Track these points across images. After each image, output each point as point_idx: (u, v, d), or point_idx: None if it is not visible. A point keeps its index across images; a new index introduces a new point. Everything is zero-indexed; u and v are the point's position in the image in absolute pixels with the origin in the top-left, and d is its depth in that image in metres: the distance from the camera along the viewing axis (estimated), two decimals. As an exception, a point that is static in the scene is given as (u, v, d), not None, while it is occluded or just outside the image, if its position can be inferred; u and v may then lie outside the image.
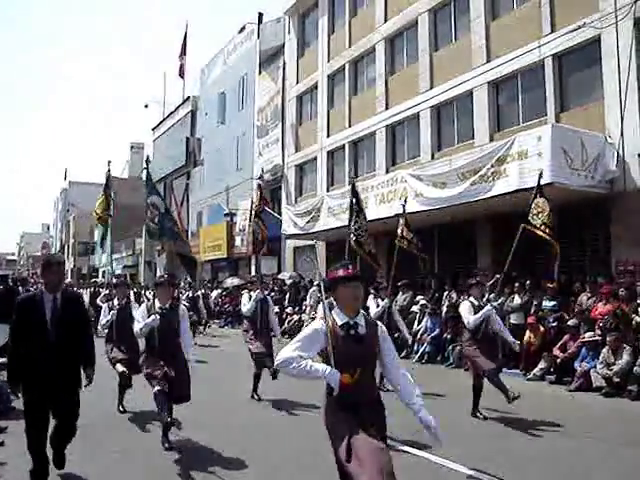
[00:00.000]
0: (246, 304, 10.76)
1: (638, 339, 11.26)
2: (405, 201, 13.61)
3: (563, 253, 16.11)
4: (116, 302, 9.50)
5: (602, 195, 14.37)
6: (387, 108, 22.71)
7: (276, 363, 4.04)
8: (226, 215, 31.97)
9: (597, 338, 11.70)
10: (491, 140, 17.78)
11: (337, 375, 3.84)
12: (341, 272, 4.13)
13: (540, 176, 10.34)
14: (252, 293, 10.88)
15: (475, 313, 8.99)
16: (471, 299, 9.30)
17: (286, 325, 21.22)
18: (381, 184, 19.05)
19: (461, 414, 8.99)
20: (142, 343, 7.74)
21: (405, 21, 22.09)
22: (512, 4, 18.19)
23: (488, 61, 18.43)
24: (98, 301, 20.39)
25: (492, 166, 14.59)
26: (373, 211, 18.69)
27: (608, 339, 11.24)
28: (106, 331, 9.52)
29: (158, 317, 7.33)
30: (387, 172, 21.63)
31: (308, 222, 22.57)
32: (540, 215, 9.92)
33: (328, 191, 25.12)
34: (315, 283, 22.97)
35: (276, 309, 22.54)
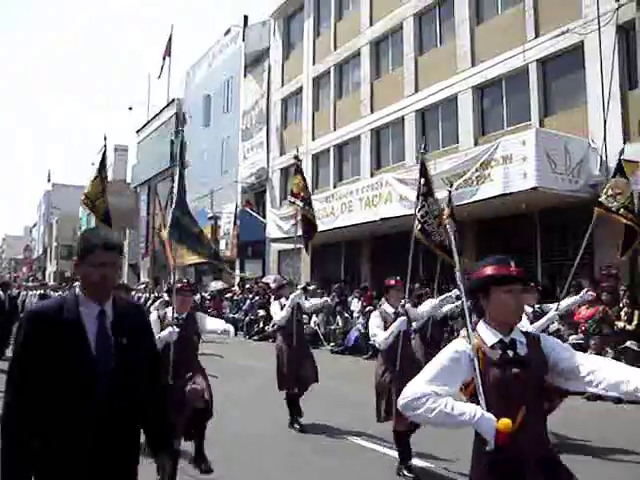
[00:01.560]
0: (278, 312, 8.97)
1: (620, 342, 11.33)
2: (451, 186, 12.52)
3: (546, 257, 16.38)
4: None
5: (585, 199, 14.43)
6: (372, 112, 22.75)
7: (401, 403, 2.75)
8: (210, 218, 31.86)
9: (580, 341, 11.75)
10: (476, 144, 17.84)
11: (492, 421, 2.61)
12: (497, 269, 2.90)
13: (621, 152, 9.57)
14: (283, 300, 9.15)
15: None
16: None
17: (270, 329, 21.14)
18: (366, 188, 19.08)
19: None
20: None
21: (390, 25, 22.15)
22: (497, 9, 18.30)
23: (473, 65, 18.51)
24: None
25: (476, 170, 14.64)
26: (358, 215, 18.74)
27: (592, 343, 11.32)
28: None
29: (176, 329, 6.16)
30: (372, 176, 21.66)
31: (293, 225, 22.50)
32: (619, 197, 8.73)
33: (313, 194, 25.05)
34: (300, 287, 22.92)
35: (261, 312, 22.63)
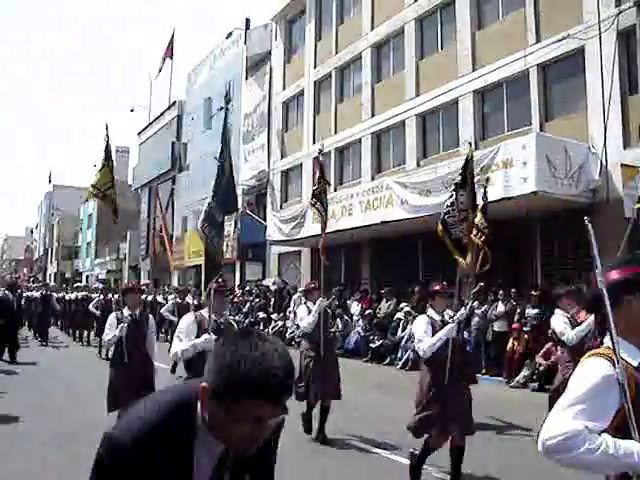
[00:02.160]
0: (304, 317, 8.45)
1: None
2: (486, 186, 11.80)
3: (545, 261, 16.40)
4: (126, 312, 7.33)
5: (585, 204, 14.48)
6: (373, 115, 22.80)
7: (549, 444, 2.11)
8: (211, 221, 31.82)
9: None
10: (476, 148, 17.86)
11: None
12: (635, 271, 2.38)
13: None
14: (310, 303, 8.66)
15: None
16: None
17: (270, 331, 21.18)
18: (366, 191, 19.11)
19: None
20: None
21: (392, 29, 22.21)
22: (498, 14, 18.35)
23: (474, 70, 18.56)
24: (91, 308, 19.25)
25: (477, 174, 14.66)
26: (358, 218, 18.78)
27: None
28: (111, 350, 7.58)
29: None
30: (372, 179, 21.70)
31: (293, 228, 22.59)
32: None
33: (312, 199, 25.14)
34: (299, 289, 23.00)
35: (261, 315, 22.68)
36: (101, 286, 27.09)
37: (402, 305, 17.11)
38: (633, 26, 14.16)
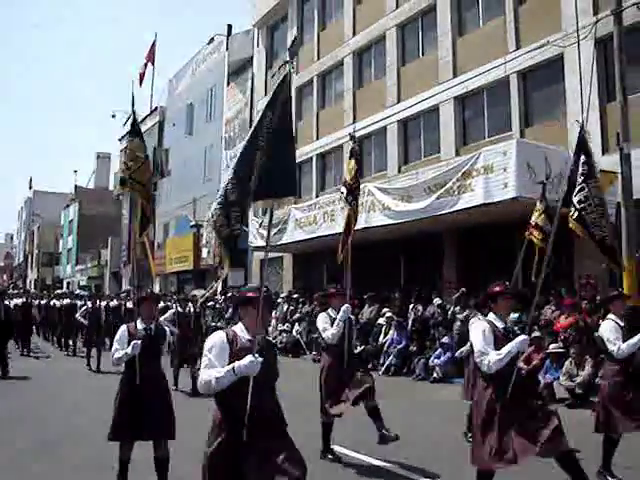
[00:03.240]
0: (328, 327, 7.53)
1: (600, 351, 11.44)
2: (547, 179, 11.26)
3: (527, 266, 16.48)
4: (140, 325, 6.36)
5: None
6: (354, 121, 22.87)
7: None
8: (193, 226, 31.80)
9: (561, 350, 11.87)
10: (457, 154, 18.01)
11: None
12: None
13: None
14: (331, 311, 7.77)
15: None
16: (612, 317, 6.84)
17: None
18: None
19: (429, 426, 9.04)
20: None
21: (373, 36, 22.33)
22: (478, 21, 18.52)
23: (455, 76, 18.70)
24: (79, 317, 17.83)
25: (458, 180, 14.77)
26: (340, 224, 18.77)
27: (571, 351, 11.44)
28: (121, 371, 6.44)
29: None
30: (317, 196, 21.87)
31: (275, 234, 22.56)
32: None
33: (295, 203, 25.17)
34: (282, 295, 22.98)
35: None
36: (86, 293, 26.74)
37: (384, 310, 17.13)
38: (610, 34, 14.33)
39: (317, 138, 24.98)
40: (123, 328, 6.35)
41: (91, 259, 54.02)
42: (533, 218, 9.75)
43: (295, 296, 22.05)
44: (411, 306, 16.68)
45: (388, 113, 21.19)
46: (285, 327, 20.48)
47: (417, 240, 18.93)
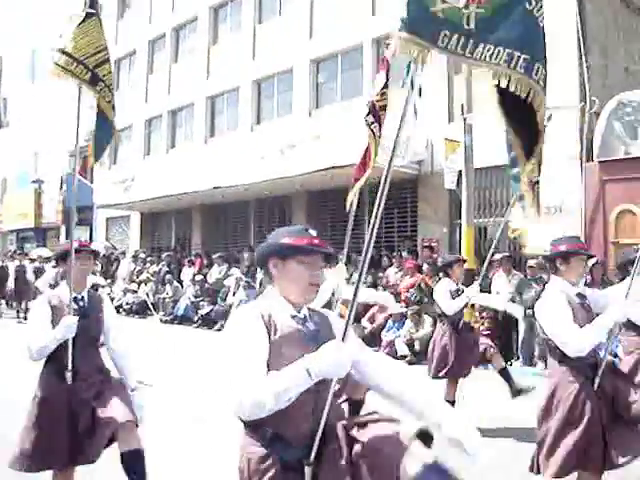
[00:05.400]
0: (446, 298, 6.93)
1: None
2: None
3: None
4: (63, 292, 4.27)
5: (412, 175, 15.11)
6: (208, 78, 22.33)
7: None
8: (34, 182, 30.11)
9: (403, 310, 12.33)
10: (310, 116, 18.08)
11: None
12: None
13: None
14: (450, 280, 7.07)
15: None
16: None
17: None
18: (199, 155, 18.79)
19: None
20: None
21: (230, -9, 21.80)
22: (336, -15, 18.51)
23: (310, 38, 18.65)
24: (31, 278, 16.78)
25: (309, 142, 14.86)
26: (190, 182, 18.41)
27: (411, 311, 11.94)
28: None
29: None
30: (205, 143, 21.36)
31: (123, 191, 21.79)
32: None
33: (144, 159, 24.40)
34: (130, 255, 22.24)
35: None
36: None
37: (233, 271, 17.04)
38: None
39: (169, 94, 24.16)
40: (42, 300, 4.30)
41: None
42: None
43: (142, 256, 21.45)
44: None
45: (242, 72, 20.82)
46: (131, 287, 19.87)
47: (268, 201, 18.94)
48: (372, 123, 6.26)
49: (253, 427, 2.40)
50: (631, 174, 11.77)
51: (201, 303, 17.05)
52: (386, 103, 6.28)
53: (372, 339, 12.70)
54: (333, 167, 14.16)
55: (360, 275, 2.41)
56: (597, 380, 3.96)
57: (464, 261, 7.53)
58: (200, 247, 21.54)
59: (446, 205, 14.71)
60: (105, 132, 4.98)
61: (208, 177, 17.81)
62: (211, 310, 16.70)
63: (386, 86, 6.36)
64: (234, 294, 16.36)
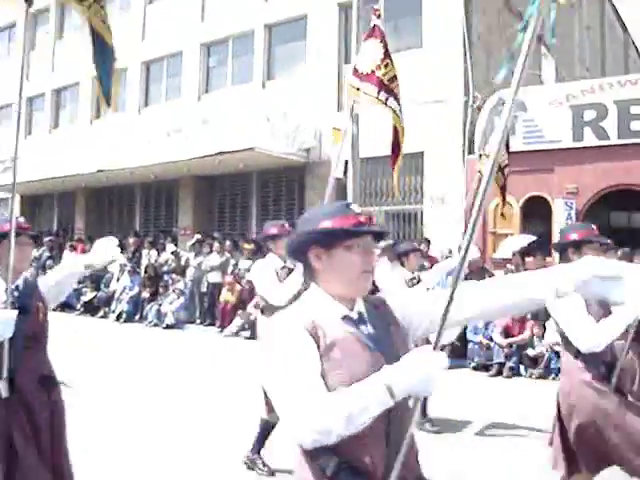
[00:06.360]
0: (402, 287, 6.42)
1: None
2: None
3: (261, 214, 16.98)
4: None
5: (300, 162, 15.21)
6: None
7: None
8: None
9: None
10: (199, 101, 17.85)
11: None
12: None
13: None
14: (405, 269, 6.65)
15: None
16: None
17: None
18: (84, 137, 18.18)
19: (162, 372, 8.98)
20: None
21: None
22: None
23: (202, 21, 18.37)
24: None
25: (197, 126, 14.69)
26: (74, 165, 17.80)
27: (294, 296, 12.04)
28: None
29: (15, 312, 3.17)
30: (91, 124, 20.67)
31: (2, 173, 20.75)
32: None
33: (25, 140, 23.32)
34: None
35: None
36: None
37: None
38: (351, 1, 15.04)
39: (52, 71, 23.16)
40: None
41: None
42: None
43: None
44: (145, 252, 16.40)
45: (131, 52, 20.21)
46: (8, 272, 18.96)
47: (154, 185, 18.57)
48: (387, 99, 5.91)
49: (313, 455, 1.96)
50: (509, 167, 12.27)
51: (84, 289, 16.52)
52: (395, 73, 5.98)
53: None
54: (221, 152, 14.05)
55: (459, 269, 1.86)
56: (614, 380, 3.67)
57: (420, 250, 7.17)
58: (83, 232, 20.87)
59: (333, 193, 14.85)
60: (107, 60, 3.98)
61: (93, 160, 17.25)
62: (94, 297, 16.27)
63: (388, 56, 5.96)
64: (118, 280, 15.98)
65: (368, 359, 1.95)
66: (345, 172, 13.10)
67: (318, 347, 1.93)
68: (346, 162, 13.19)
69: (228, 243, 14.68)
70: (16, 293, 3.40)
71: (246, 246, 14.14)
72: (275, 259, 5.06)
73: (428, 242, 12.56)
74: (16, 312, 3.16)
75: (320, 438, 1.81)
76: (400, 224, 14.23)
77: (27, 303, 3.42)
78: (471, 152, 13.18)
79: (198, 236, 15.08)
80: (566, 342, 3.74)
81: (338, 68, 15.43)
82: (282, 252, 4.81)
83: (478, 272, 10.57)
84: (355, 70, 5.84)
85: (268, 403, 4.78)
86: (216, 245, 14.49)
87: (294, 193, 16.06)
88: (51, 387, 3.42)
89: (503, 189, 7.24)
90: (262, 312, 5.06)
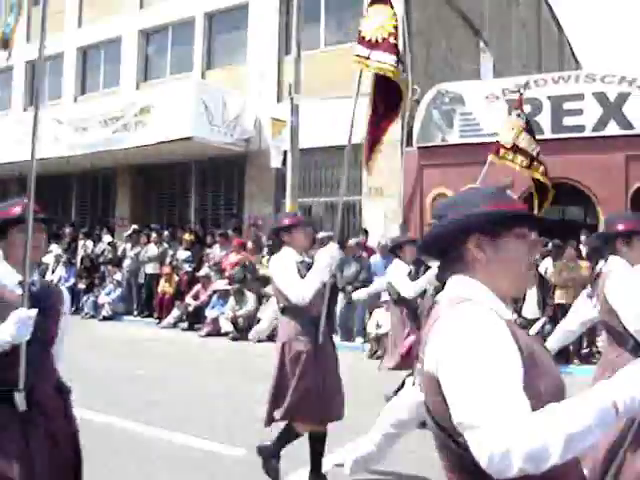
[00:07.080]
0: (405, 280, 6.34)
1: (261, 287, 12.22)
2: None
3: (199, 205, 16.82)
4: (13, 279, 2.81)
5: (239, 152, 15.15)
6: (28, 41, 20.94)
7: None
8: None
9: (227, 287, 12.38)
10: (137, 89, 17.57)
11: None
12: None
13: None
14: (402, 262, 6.57)
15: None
16: None
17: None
18: (16, 124, 17.64)
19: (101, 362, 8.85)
20: None
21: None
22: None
23: (141, 8, 18.05)
24: None
25: (135, 116, 14.46)
26: (6, 153, 17.30)
27: (235, 288, 12.04)
28: None
29: (34, 311, 2.64)
30: (25, 111, 20.10)
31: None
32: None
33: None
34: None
35: None
36: None
37: (52, 247, 16.26)
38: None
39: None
40: None
41: None
42: (507, 137, 7.51)
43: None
44: (80, 243, 16.12)
45: (67, 38, 19.75)
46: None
47: (91, 175, 18.24)
48: (397, 62, 5.22)
49: None
50: (446, 160, 12.54)
51: (18, 281, 16.14)
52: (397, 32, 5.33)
53: (196, 316, 12.72)
54: (160, 142, 13.90)
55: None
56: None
57: (415, 242, 6.80)
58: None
59: (272, 184, 14.88)
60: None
61: (26, 147, 16.78)
62: (29, 288, 15.89)
63: (394, 15, 5.34)
64: (53, 272, 15.66)
65: (559, 374, 1.65)
66: (284, 163, 13.20)
67: (521, 352, 1.54)
68: (285, 152, 13.29)
69: (166, 233, 14.55)
70: (34, 288, 2.82)
71: (185, 237, 14.04)
72: (292, 253, 4.54)
73: (366, 233, 12.69)
74: (35, 311, 2.63)
75: (529, 467, 1.35)
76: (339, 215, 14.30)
77: (44, 304, 2.79)
78: (409, 144, 13.37)
79: (135, 226, 14.89)
80: (618, 334, 3.41)
81: (278, 58, 15.40)
82: (299, 244, 4.58)
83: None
84: (362, 38, 5.21)
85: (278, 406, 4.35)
86: (154, 236, 14.33)
87: (233, 183, 15.99)
88: (65, 395, 2.93)
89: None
90: (282, 312, 4.53)
